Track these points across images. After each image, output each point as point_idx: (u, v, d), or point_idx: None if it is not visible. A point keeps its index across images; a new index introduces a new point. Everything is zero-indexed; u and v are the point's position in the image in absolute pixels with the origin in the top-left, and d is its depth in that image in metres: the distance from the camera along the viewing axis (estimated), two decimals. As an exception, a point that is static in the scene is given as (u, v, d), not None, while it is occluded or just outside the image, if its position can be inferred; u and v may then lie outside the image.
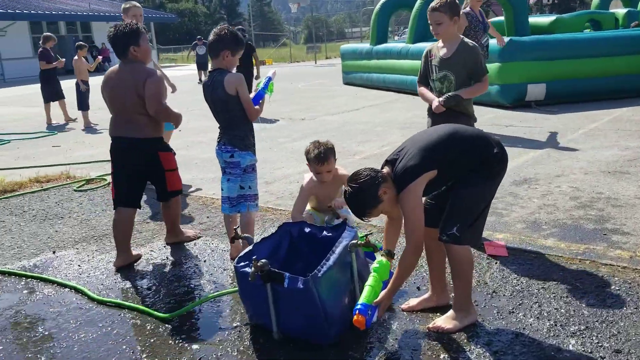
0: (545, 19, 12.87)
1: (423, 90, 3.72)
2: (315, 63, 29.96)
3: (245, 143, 3.39)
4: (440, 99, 3.49)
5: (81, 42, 10.34)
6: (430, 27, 3.47)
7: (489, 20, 7.66)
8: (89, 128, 9.95)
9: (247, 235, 2.96)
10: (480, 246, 3.45)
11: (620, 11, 13.03)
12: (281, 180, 5.50)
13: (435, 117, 3.56)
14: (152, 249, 3.86)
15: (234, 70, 3.48)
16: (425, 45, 4.32)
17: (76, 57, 10.12)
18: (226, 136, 3.41)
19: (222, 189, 3.53)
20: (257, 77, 11.08)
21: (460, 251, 2.53)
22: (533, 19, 13.83)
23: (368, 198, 2.45)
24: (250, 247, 2.76)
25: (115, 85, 3.50)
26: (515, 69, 8.85)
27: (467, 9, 6.97)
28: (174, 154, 3.76)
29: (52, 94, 10.66)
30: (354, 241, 2.65)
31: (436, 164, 2.47)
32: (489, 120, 8.13)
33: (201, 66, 19.97)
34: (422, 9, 11.24)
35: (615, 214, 3.88)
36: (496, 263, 3.24)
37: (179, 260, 3.63)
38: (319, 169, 3.40)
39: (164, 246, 3.89)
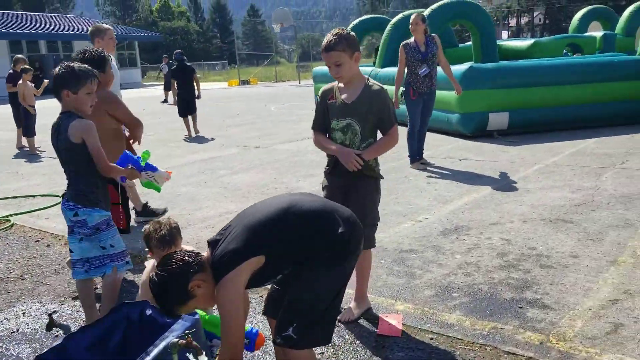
0: (523, 43, 12.52)
1: (322, 139, 2.94)
2: (299, 83, 29.63)
3: (90, 199, 2.88)
4: (362, 153, 2.80)
5: (26, 66, 9.86)
6: (329, 70, 2.86)
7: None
8: (33, 155, 9.47)
9: (63, 323, 2.44)
10: (375, 320, 2.95)
11: (597, 34, 12.68)
12: (197, 225, 4.99)
13: (333, 178, 2.94)
14: None
15: (90, 108, 2.95)
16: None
17: (21, 82, 9.64)
18: (70, 191, 2.91)
19: (71, 251, 3.01)
20: (199, 97, 11.32)
21: (299, 356, 2.02)
22: (511, 43, 13.53)
23: (174, 291, 1.95)
24: (59, 342, 2.23)
25: None
26: (476, 97, 8.41)
27: (412, 38, 6.58)
28: (119, 187, 3.39)
29: (17, 118, 10.37)
30: (176, 340, 2.12)
31: (264, 248, 1.97)
32: (445, 152, 7.67)
33: (166, 85, 19.62)
34: (392, 32, 10.90)
35: (540, 279, 3.37)
36: (383, 347, 2.73)
37: None
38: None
39: None
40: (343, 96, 2.86)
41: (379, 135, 2.94)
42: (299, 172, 6.90)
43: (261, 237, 1.97)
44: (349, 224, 2.05)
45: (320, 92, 2.96)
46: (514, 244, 3.99)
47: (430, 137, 8.88)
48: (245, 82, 31.95)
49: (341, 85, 2.89)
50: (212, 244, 2.05)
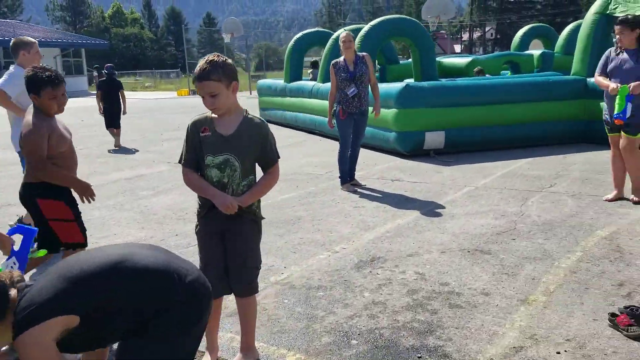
0: (461, 60, 12.58)
1: (195, 179, 2.58)
2: (250, 93, 29.25)
3: None
4: (241, 199, 2.52)
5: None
6: (203, 101, 2.54)
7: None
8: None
9: None
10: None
11: (536, 52, 12.87)
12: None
13: (208, 222, 2.62)
14: None
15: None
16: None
17: None
18: None
19: None
20: (125, 112, 11.25)
21: None
22: (451, 60, 13.60)
23: None
24: None
25: None
26: (412, 116, 8.29)
27: (341, 57, 6.41)
28: (68, 203, 3.27)
29: None
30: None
31: (79, 307, 1.67)
32: (379, 172, 7.50)
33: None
34: (333, 46, 10.73)
35: (446, 321, 3.17)
36: (261, 410, 2.45)
37: None
38: None
39: None
40: (219, 129, 2.56)
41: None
42: (224, 194, 6.59)
43: (75, 294, 1.68)
44: (190, 287, 1.77)
45: (190, 123, 2.62)
46: (427, 279, 3.79)
47: (367, 155, 8.74)
48: (195, 92, 31.40)
49: (214, 116, 2.58)
50: (24, 287, 1.74)
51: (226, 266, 2.63)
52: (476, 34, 72.05)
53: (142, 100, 28.71)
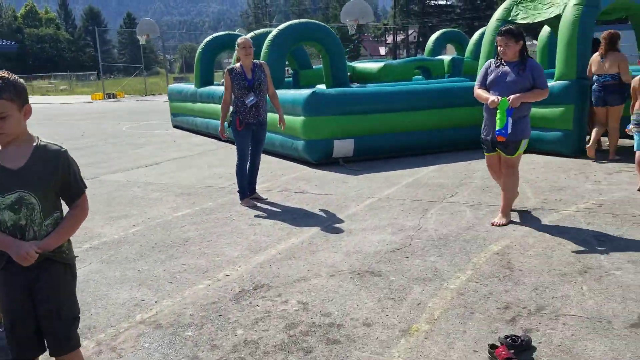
0: (374, 65, 12.52)
1: None
2: (170, 98, 28.31)
3: None
4: (42, 244, 2.14)
5: None
6: None
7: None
8: None
9: None
10: None
11: (447, 57, 13.03)
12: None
13: (9, 276, 2.18)
14: None
15: None
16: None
17: None
18: None
19: None
20: None
21: None
22: (364, 65, 13.55)
23: None
24: None
25: None
26: (320, 124, 8.05)
27: (238, 63, 6.06)
28: None
29: None
30: None
31: None
32: (284, 183, 7.20)
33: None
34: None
35: (320, 361, 2.89)
36: None
37: None
38: None
39: None
40: (6, 162, 2.14)
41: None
42: (112, 213, 6.07)
43: None
44: None
45: None
46: (309, 309, 3.50)
47: (277, 164, 8.44)
48: (111, 96, 29.98)
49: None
50: None
51: (38, 323, 2.21)
52: (400, 37, 73.70)
53: (51, 105, 27.12)
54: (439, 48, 15.21)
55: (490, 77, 4.97)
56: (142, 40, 26.18)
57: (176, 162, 9.19)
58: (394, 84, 10.41)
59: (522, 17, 8.86)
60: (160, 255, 4.62)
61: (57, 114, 21.17)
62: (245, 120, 5.98)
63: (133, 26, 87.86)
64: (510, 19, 9.02)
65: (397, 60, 13.18)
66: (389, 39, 74.22)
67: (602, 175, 6.81)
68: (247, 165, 6.15)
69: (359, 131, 8.32)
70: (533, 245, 4.46)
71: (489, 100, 4.79)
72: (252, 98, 5.92)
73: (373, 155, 8.48)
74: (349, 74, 12.61)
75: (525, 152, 5.21)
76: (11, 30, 76.65)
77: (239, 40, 6.03)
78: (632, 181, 6.38)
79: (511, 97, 4.68)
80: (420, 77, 12.68)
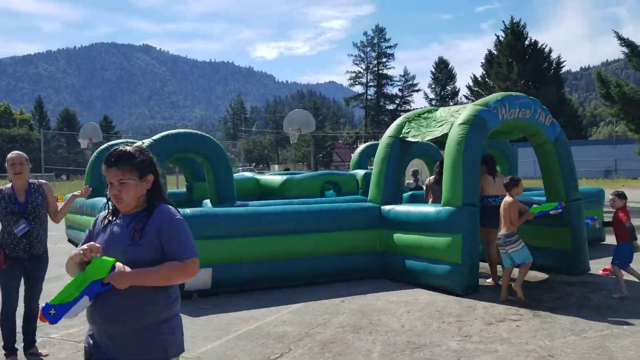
0: (276, 178, 11.59)
1: None
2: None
3: None
4: None
5: None
6: None
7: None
8: None
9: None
10: None
11: (360, 172, 12.18)
12: None
13: None
14: None
15: None
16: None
17: None
18: None
19: None
20: None
21: None
22: (268, 178, 12.64)
23: None
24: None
25: None
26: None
27: (7, 185, 4.94)
28: None
29: None
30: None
31: None
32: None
33: None
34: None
35: None
36: None
37: None
38: None
39: None
40: None
41: None
42: None
43: None
44: None
45: None
46: None
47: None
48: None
49: None
50: None
51: None
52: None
53: None
54: (365, 161, 14.47)
55: None
56: (83, 144, 25.41)
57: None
58: (283, 200, 9.39)
59: (413, 134, 8.09)
60: None
61: None
62: (12, 254, 4.74)
63: (110, 129, 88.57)
64: (401, 136, 8.26)
65: (303, 174, 12.27)
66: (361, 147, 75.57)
67: (479, 326, 5.59)
68: (15, 313, 4.82)
69: (221, 258, 7.11)
70: None
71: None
72: (24, 226, 4.74)
73: (238, 287, 7.23)
74: (254, 185, 11.69)
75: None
76: (-18, 129, 76.66)
77: (9, 155, 4.92)
78: (509, 336, 5.18)
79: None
80: (332, 192, 11.77)
